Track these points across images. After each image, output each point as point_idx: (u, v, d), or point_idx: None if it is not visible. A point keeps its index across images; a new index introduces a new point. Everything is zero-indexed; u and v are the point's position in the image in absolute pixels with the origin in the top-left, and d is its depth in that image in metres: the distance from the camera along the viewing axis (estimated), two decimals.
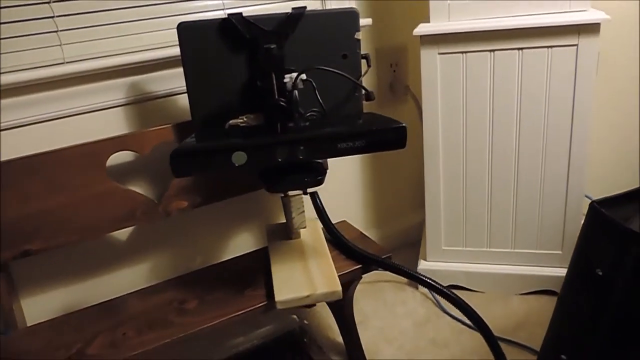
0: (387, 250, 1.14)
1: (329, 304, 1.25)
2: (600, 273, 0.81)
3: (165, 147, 1.20)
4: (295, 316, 1.31)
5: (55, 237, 1.06)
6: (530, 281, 1.38)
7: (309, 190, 0.92)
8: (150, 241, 1.26)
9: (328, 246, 1.15)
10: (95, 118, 1.14)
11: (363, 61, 1.10)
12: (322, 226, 1.20)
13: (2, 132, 1.05)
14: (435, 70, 1.26)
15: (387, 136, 0.89)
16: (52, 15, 1.05)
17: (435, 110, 1.30)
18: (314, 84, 1.02)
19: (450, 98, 1.28)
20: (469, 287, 1.43)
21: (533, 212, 1.33)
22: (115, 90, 1.14)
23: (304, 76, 1.01)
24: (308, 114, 1.02)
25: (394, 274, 1.11)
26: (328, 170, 1.02)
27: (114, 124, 1.16)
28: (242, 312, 0.99)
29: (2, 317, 1.05)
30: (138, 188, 1.14)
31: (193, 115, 1.07)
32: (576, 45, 1.16)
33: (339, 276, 1.05)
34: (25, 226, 1.03)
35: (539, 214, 1.33)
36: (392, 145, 0.91)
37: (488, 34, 1.20)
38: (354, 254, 1.11)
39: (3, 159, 1.01)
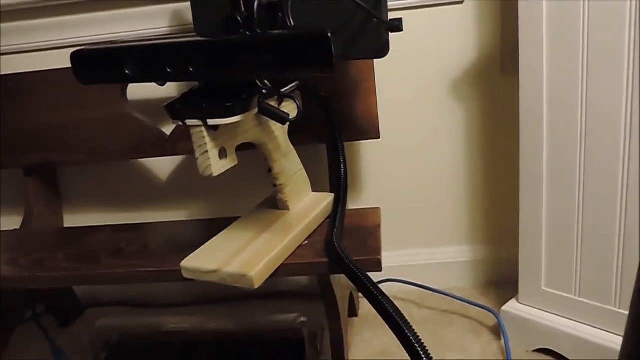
0: (376, 252, 0.77)
1: None
2: None
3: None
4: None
5: (69, 153, 1.07)
6: None
7: (210, 122, 0.66)
8: (180, 178, 1.21)
9: (322, 229, 0.86)
10: None
11: None
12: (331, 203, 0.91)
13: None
14: (538, 21, 0.79)
15: (300, 49, 0.57)
16: None
17: (538, 83, 0.82)
18: None
19: (560, 65, 0.79)
20: None
21: None
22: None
23: None
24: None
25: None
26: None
27: None
28: (154, 269, 0.81)
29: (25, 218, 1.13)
30: (153, 120, 1.06)
31: (195, 29, 0.91)
32: None
33: (289, 264, 0.77)
34: (46, 136, 1.07)
35: None
36: (311, 64, 0.58)
37: None
38: (326, 242, 0.79)
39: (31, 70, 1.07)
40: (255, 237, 0.79)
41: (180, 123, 0.68)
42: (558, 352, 0.90)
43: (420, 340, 0.60)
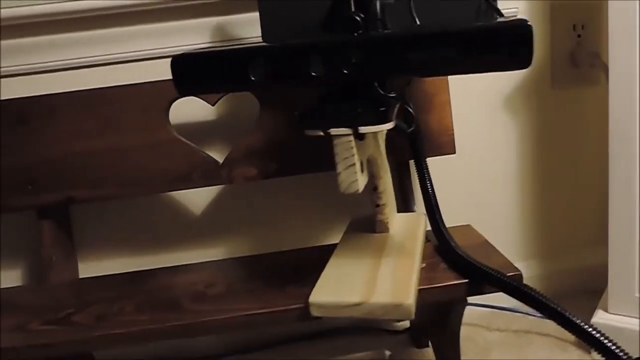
0: (513, 267, 0.72)
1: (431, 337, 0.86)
2: None
3: (236, 100, 0.99)
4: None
5: (100, 187, 0.91)
6: None
7: (362, 130, 0.59)
8: (215, 212, 1.06)
9: (427, 251, 0.79)
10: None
11: None
12: (426, 224, 0.84)
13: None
14: (633, 24, 0.80)
15: (493, 41, 0.52)
16: None
17: (632, 90, 0.83)
18: None
19: None
20: None
21: None
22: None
23: None
24: None
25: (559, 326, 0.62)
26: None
27: None
28: (267, 311, 0.69)
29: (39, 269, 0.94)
30: (201, 145, 0.94)
31: (263, 35, 0.81)
32: None
33: (424, 290, 0.68)
34: (72, 168, 0.91)
35: None
36: (504, 59, 0.52)
37: None
38: (459, 263, 0.72)
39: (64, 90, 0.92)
40: (376, 264, 0.71)
41: (321, 133, 0.59)
42: None
43: (619, 345, 0.55)
